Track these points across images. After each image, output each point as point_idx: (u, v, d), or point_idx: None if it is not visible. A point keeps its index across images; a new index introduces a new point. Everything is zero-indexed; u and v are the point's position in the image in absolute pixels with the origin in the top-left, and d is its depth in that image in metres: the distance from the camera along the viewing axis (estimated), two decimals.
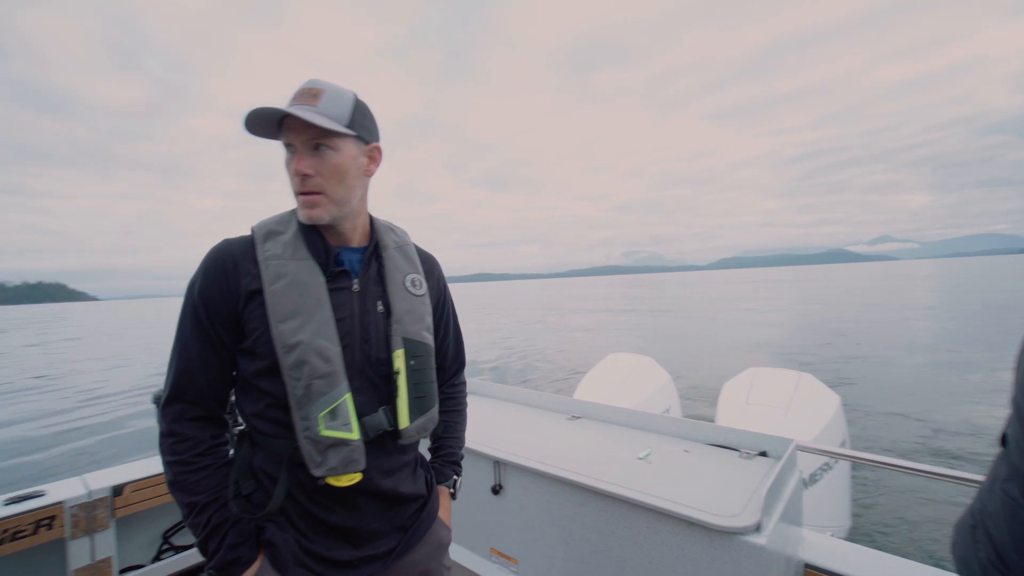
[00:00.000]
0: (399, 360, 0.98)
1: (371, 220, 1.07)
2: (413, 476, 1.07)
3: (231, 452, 0.97)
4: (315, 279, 0.93)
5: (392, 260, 1.05)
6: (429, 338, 1.06)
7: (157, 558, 1.99)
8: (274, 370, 0.89)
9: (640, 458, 1.64)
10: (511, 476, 1.59)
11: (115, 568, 1.82)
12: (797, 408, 2.84)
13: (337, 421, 0.89)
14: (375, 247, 1.04)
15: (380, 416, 0.97)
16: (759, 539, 1.17)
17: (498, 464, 1.61)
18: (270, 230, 0.96)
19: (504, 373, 12.94)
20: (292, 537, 0.93)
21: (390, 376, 0.98)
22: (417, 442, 1.08)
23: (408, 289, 1.04)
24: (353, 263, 1.00)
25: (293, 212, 0.99)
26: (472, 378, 2.48)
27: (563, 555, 1.48)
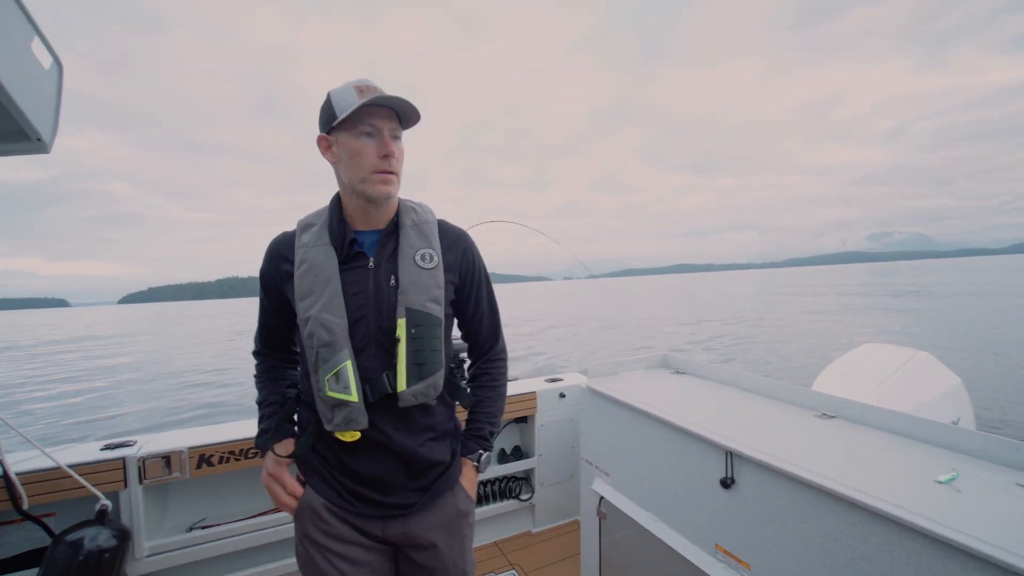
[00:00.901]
0: (400, 329, 1.08)
1: (399, 202, 1.19)
2: (439, 442, 1.18)
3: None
4: (329, 261, 1.09)
5: (407, 238, 1.14)
6: (436, 308, 1.12)
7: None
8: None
9: (940, 482, 1.28)
10: (745, 471, 1.41)
11: (186, 523, 2.11)
12: None
13: (340, 384, 1.05)
14: (395, 227, 1.15)
15: (383, 381, 1.08)
16: None
17: (729, 455, 1.45)
18: (306, 223, 1.15)
19: (720, 359, 11.88)
20: (327, 470, 1.14)
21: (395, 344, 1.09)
22: (436, 408, 1.17)
23: (417, 263, 1.12)
24: (370, 245, 1.13)
25: (326, 207, 1.17)
26: (688, 357, 2.30)
27: (797, 567, 1.27)
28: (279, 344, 1.26)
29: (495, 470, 2.57)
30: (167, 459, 1.96)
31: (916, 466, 1.37)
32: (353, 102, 1.03)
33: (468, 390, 1.28)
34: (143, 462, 1.92)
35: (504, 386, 1.32)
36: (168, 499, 2.13)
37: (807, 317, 21.75)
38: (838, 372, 3.08)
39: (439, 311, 1.13)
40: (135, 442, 2.02)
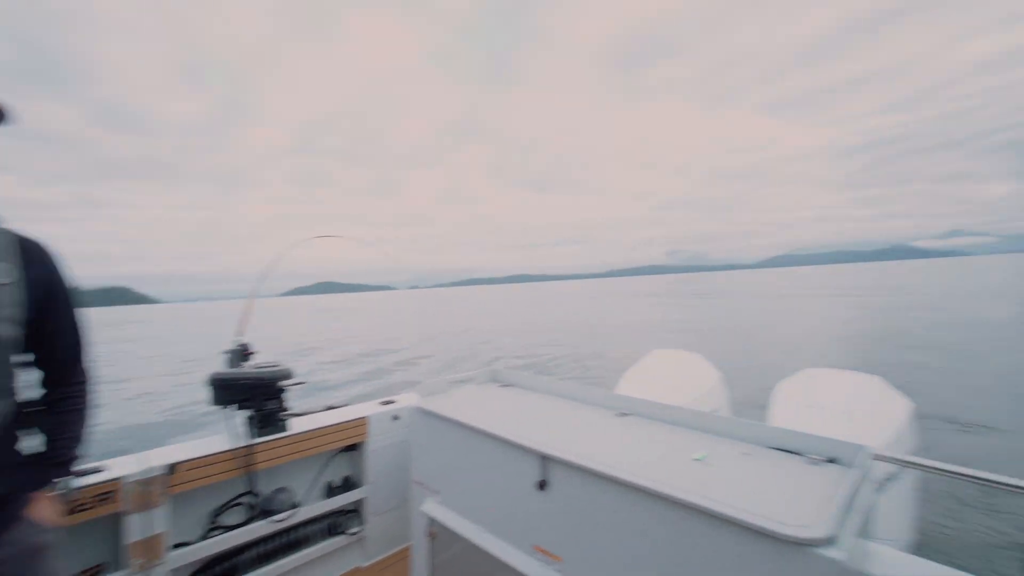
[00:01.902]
0: None
1: None
2: None
3: None
4: None
5: None
6: (6, 329, 1.06)
7: (205, 536, 2.08)
8: None
9: (695, 459, 1.57)
10: (558, 472, 1.55)
11: (167, 543, 1.92)
12: (863, 413, 2.64)
13: None
14: None
15: None
16: (836, 553, 1.07)
17: (545, 459, 1.58)
18: None
19: (543, 368, 12.90)
20: None
21: None
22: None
23: None
24: None
25: None
26: (515, 370, 2.46)
27: (611, 557, 1.44)
28: None
29: (320, 506, 2.37)
30: None
31: (681, 449, 1.65)
32: None
33: (46, 416, 1.19)
34: None
35: (87, 411, 1.26)
36: None
37: (619, 321, 25.24)
38: (635, 375, 3.69)
39: (9, 332, 1.05)
40: None
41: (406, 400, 2.78)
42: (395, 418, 2.64)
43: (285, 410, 2.30)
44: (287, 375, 2.28)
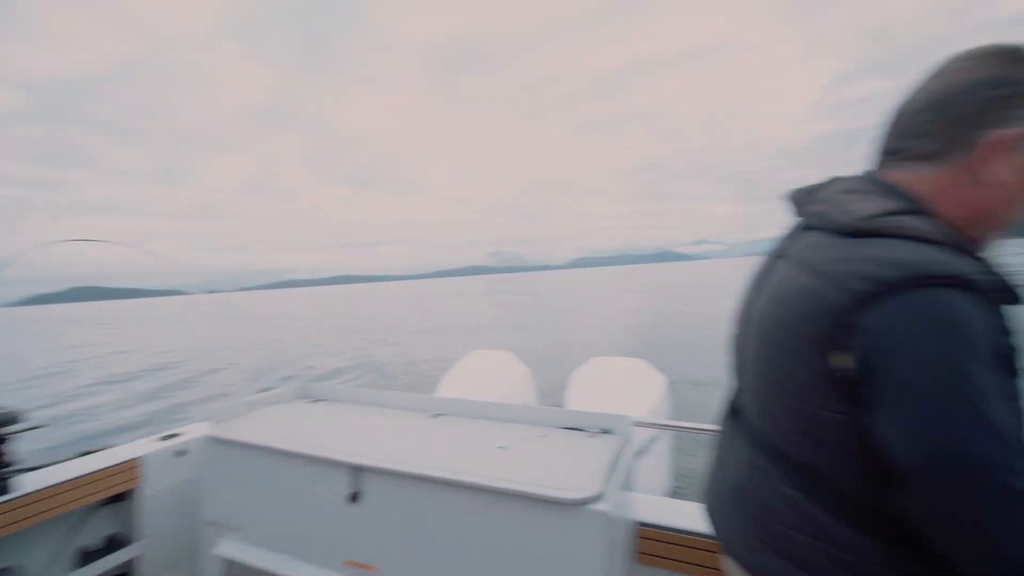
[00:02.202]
0: None
1: None
2: None
3: None
4: None
5: None
6: None
7: None
8: None
9: (499, 448, 1.71)
10: (371, 481, 1.54)
11: None
12: (633, 389, 3.25)
13: None
14: None
15: None
16: (601, 506, 1.29)
17: (356, 470, 1.55)
18: None
19: (362, 377, 12.38)
20: None
21: None
22: None
23: None
24: None
25: None
26: (326, 383, 2.34)
27: (426, 554, 1.48)
28: None
29: None
30: None
31: (487, 440, 1.77)
32: None
33: None
34: None
35: None
36: None
37: (444, 321, 25.75)
38: (455, 376, 3.87)
39: None
40: None
41: (194, 430, 2.38)
42: (179, 453, 2.23)
43: (9, 465, 1.77)
44: (10, 419, 1.76)
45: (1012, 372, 0.61)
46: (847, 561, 0.72)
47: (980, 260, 0.66)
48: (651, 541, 1.63)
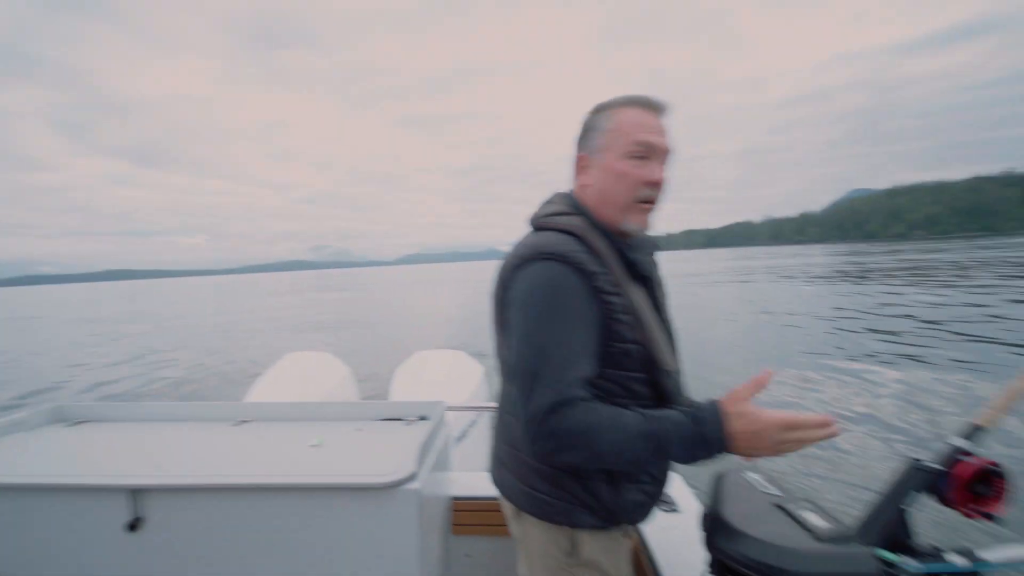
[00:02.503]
0: None
1: None
2: None
3: None
4: None
5: None
6: None
7: None
8: None
9: (312, 445, 1.68)
10: (157, 504, 1.38)
11: None
12: (454, 378, 3.47)
13: None
14: None
15: None
16: (414, 485, 1.37)
17: (135, 494, 1.37)
18: None
19: (149, 389, 10.36)
20: None
21: None
22: None
23: None
24: None
25: None
26: (89, 402, 1.99)
27: (235, 568, 1.40)
28: None
29: None
30: None
31: (300, 440, 1.73)
32: None
33: None
34: None
35: None
36: None
37: (257, 321, 22.94)
38: (267, 381, 3.60)
39: None
40: None
41: None
42: None
43: None
44: None
45: (577, 317, 0.95)
46: (520, 457, 1.11)
47: (582, 242, 1.02)
48: (465, 512, 1.75)
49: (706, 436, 0.85)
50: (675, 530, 1.65)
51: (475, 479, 1.88)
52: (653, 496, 1.13)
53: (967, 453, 0.85)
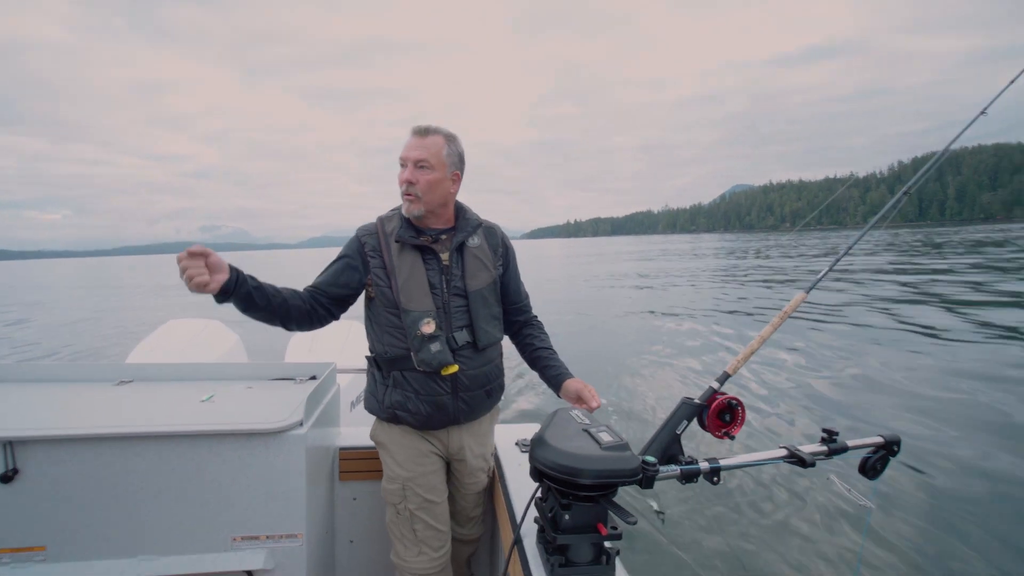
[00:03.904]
0: None
1: None
2: None
3: None
4: None
5: None
6: None
7: None
8: None
9: (202, 401, 1.68)
10: (32, 455, 1.35)
11: None
12: (351, 343, 3.45)
13: None
14: None
15: None
16: (300, 431, 1.45)
17: (8, 446, 1.34)
18: None
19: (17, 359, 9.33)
20: None
21: None
22: None
23: None
24: None
25: None
26: None
27: (116, 516, 1.39)
28: None
29: None
30: None
31: (193, 397, 1.73)
32: None
33: None
34: None
35: None
36: None
37: (130, 301, 20.88)
38: (149, 345, 3.53)
39: None
40: None
41: None
42: None
43: None
44: None
45: (339, 261, 1.60)
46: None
47: (381, 223, 1.63)
48: (349, 460, 1.86)
49: None
50: (528, 464, 1.76)
51: (360, 431, 1.92)
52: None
53: (721, 393, 1.08)
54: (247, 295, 1.34)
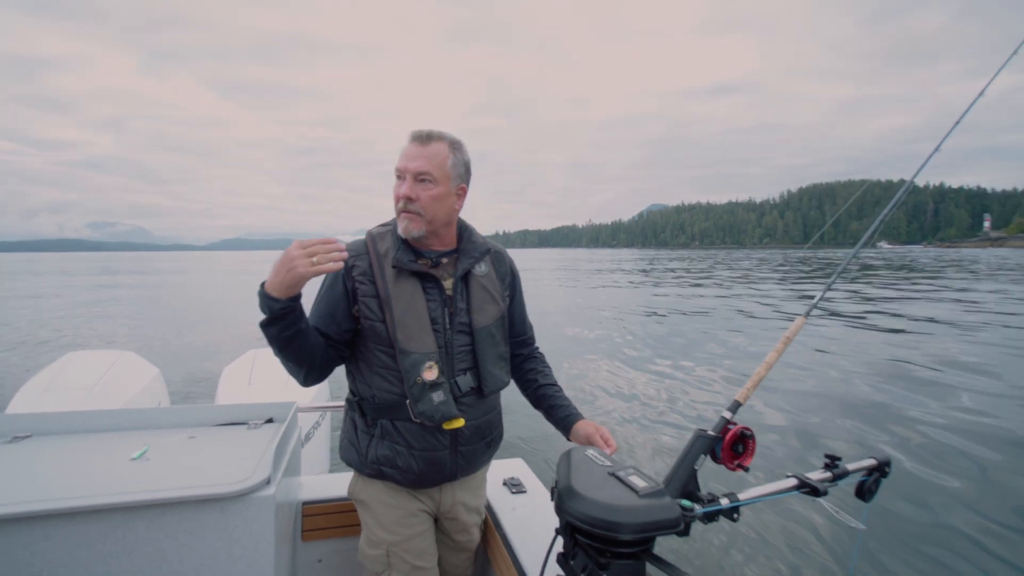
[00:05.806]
0: None
1: None
2: None
3: None
4: None
5: None
6: None
7: None
8: None
9: (134, 459, 1.44)
10: None
11: None
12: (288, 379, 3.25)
13: None
14: None
15: None
16: (268, 491, 1.26)
17: None
18: None
19: None
20: None
21: None
22: None
23: None
24: None
25: None
26: None
27: None
28: None
29: None
30: None
31: (116, 454, 1.46)
32: None
33: None
34: None
35: None
36: None
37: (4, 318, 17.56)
38: (41, 387, 2.92)
39: None
40: None
41: None
42: None
43: None
44: None
45: (333, 289, 1.33)
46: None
47: (374, 242, 1.37)
48: (314, 517, 1.68)
49: (259, 291, 1.13)
50: (524, 508, 1.71)
51: (324, 481, 1.79)
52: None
53: (732, 423, 1.04)
54: (303, 314, 1.22)
